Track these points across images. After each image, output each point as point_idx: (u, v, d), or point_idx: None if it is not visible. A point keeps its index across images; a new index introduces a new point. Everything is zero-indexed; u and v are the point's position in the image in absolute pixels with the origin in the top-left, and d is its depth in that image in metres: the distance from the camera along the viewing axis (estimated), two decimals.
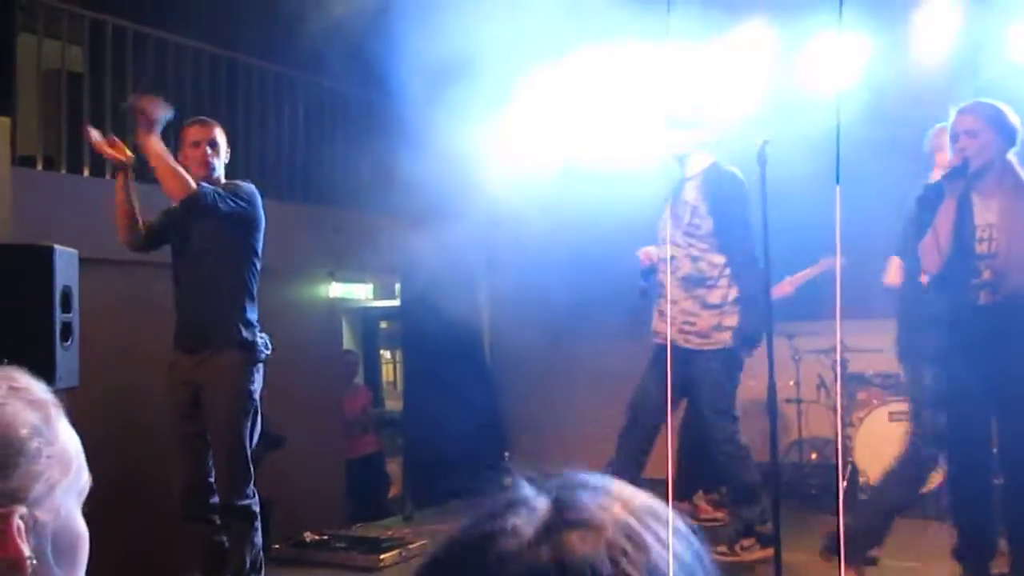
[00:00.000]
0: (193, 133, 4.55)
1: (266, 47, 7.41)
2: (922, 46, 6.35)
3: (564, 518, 0.78)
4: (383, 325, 13.14)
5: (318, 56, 7.16)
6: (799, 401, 7.22)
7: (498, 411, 8.56)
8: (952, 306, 3.92)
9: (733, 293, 4.87)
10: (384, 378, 13.46)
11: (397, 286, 9.56)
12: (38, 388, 1.20)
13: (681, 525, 0.83)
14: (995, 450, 4.13)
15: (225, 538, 4.43)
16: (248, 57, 7.50)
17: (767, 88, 6.45)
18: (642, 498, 0.84)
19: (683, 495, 6.15)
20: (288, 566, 5.44)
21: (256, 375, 4.44)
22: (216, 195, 4.30)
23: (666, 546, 0.79)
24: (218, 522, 4.45)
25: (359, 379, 9.57)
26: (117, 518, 5.57)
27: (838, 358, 5.39)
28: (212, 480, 4.44)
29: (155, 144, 4.23)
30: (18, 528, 1.09)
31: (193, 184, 4.23)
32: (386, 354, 13.46)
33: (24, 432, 1.12)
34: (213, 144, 4.51)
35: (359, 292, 10.11)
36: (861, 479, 6.60)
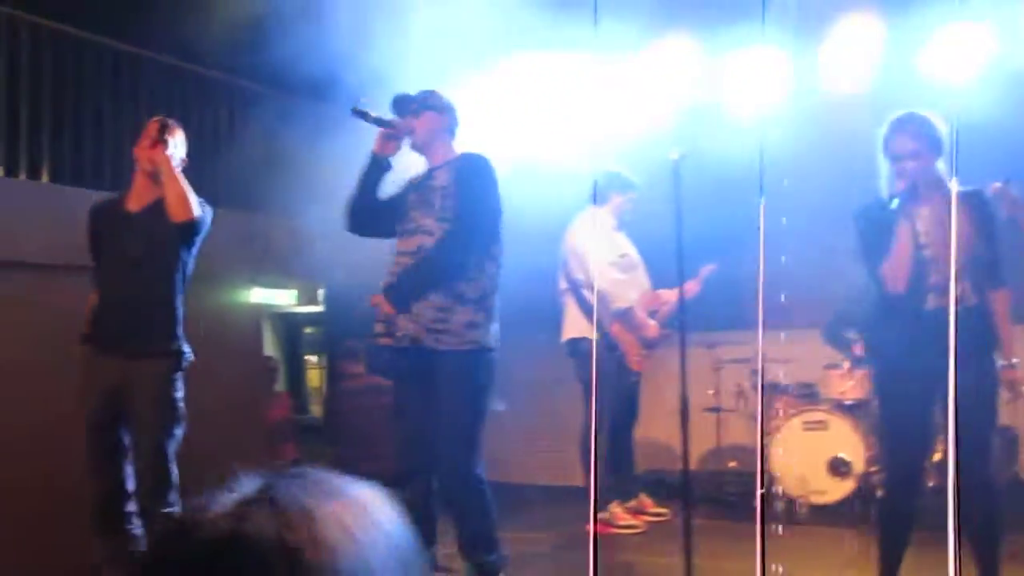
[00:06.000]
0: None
1: (184, 47, 7.31)
2: (839, 64, 6.52)
3: (256, 498, 0.87)
4: (307, 330, 13.05)
5: (236, 58, 7.09)
6: (718, 410, 7.30)
7: None
8: (911, 314, 4.02)
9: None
10: (310, 384, 13.35)
11: (320, 292, 9.50)
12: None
13: (383, 516, 0.92)
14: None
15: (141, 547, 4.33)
16: (171, 58, 7.40)
17: (686, 101, 6.53)
18: (351, 490, 0.93)
19: (598, 504, 6.15)
20: None
21: (181, 383, 4.43)
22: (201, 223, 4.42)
23: (355, 530, 0.88)
24: (135, 532, 4.34)
25: (279, 386, 9.47)
26: (25, 529, 5.45)
27: (760, 367, 5.44)
28: (129, 488, 4.35)
29: (166, 157, 4.38)
30: None
31: (195, 212, 4.36)
32: (312, 359, 13.35)
33: None
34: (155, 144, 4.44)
35: (282, 298, 10.02)
36: (776, 487, 6.70)
